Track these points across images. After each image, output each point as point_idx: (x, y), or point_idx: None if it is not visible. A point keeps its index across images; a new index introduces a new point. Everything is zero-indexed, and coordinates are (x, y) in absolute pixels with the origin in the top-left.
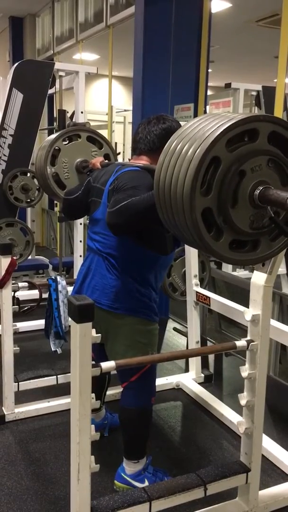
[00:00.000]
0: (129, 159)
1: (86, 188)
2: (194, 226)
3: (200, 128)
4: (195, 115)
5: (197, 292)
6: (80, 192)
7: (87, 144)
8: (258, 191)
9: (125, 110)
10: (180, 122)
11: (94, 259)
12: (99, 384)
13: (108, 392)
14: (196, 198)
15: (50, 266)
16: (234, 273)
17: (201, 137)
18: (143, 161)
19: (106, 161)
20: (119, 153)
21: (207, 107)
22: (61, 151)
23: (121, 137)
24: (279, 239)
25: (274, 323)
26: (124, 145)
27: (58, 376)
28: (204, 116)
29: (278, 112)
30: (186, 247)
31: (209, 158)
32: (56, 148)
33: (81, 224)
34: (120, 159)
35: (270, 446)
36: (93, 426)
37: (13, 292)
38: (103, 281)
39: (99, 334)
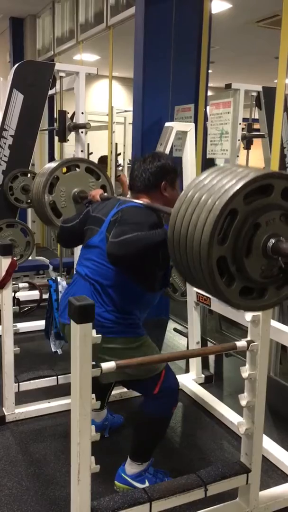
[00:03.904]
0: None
1: (83, 217)
2: (210, 273)
3: (218, 180)
4: (196, 116)
5: (197, 292)
6: (77, 221)
7: (85, 174)
8: (271, 244)
9: (125, 111)
10: (173, 158)
11: (81, 284)
12: (105, 385)
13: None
14: (214, 247)
15: (51, 267)
16: None
17: (220, 190)
18: (143, 199)
19: (106, 194)
20: (119, 154)
21: (207, 107)
22: (60, 180)
23: (122, 138)
24: (285, 288)
25: (274, 323)
26: (124, 145)
27: (59, 376)
28: (219, 169)
29: (278, 113)
30: None
31: (228, 210)
32: (55, 176)
33: None
34: (120, 160)
35: (270, 446)
36: (93, 426)
37: (13, 293)
38: None
39: (100, 335)
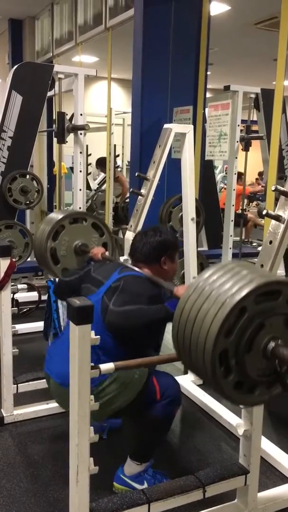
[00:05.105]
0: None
1: (83, 275)
2: (211, 363)
3: (232, 275)
4: (194, 118)
5: None
6: (77, 277)
7: (91, 229)
8: (272, 346)
9: (124, 112)
10: (173, 232)
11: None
12: None
13: None
14: (220, 340)
15: None
16: None
17: (232, 287)
18: (145, 269)
19: (107, 253)
20: (117, 155)
21: (206, 109)
22: (65, 229)
23: (120, 140)
24: (274, 387)
25: None
26: (123, 147)
27: None
28: (225, 267)
29: (277, 115)
30: (185, 248)
31: (239, 306)
32: (62, 225)
33: None
34: (119, 161)
35: (269, 448)
36: (92, 428)
37: (12, 294)
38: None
39: (98, 336)
